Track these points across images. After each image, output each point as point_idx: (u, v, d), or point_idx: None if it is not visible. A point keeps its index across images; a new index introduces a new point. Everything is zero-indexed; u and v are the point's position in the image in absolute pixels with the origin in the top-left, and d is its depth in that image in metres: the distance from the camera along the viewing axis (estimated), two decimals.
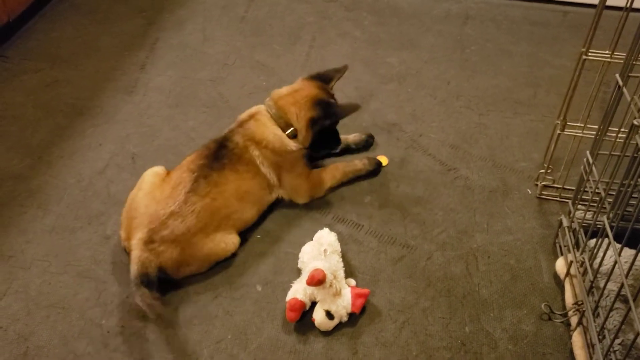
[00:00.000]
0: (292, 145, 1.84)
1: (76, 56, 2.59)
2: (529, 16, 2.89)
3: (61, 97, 2.36)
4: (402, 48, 2.67)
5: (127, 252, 1.69)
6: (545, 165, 1.93)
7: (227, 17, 2.87)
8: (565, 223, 1.71)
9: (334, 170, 1.97)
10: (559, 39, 2.73)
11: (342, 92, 2.40)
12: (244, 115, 1.90)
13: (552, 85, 2.45)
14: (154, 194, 1.71)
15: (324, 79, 1.95)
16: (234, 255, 1.76)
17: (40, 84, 2.42)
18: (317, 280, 1.52)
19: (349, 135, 2.13)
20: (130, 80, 2.46)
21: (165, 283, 1.66)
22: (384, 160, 2.09)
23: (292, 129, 1.85)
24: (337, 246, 1.71)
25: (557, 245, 1.78)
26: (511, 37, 2.75)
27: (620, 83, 1.43)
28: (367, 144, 2.14)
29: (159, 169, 1.82)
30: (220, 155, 1.77)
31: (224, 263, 1.75)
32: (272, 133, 1.83)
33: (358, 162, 2.02)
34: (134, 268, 1.59)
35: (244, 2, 2.98)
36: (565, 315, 1.59)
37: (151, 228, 1.63)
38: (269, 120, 1.85)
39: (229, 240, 1.73)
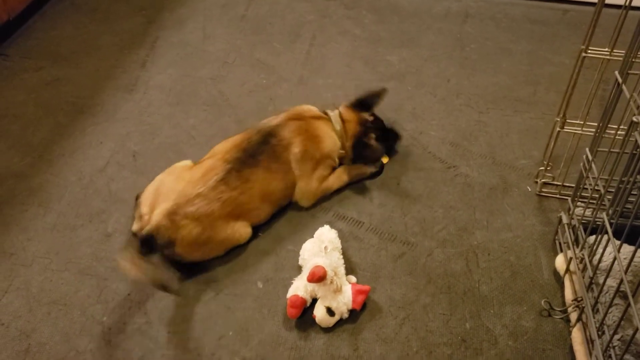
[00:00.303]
0: (338, 151, 1.97)
1: (76, 54, 2.59)
2: (528, 14, 2.90)
3: (62, 96, 2.37)
4: (402, 46, 2.68)
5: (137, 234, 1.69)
6: (545, 162, 1.94)
7: (228, 16, 2.87)
8: (564, 220, 1.72)
9: (342, 174, 1.99)
10: (558, 36, 2.74)
11: (343, 90, 2.42)
12: (313, 113, 1.97)
13: (551, 83, 2.45)
14: (183, 175, 1.77)
15: (365, 106, 2.05)
16: (242, 246, 1.79)
17: (41, 82, 2.43)
18: (318, 277, 1.53)
19: None
20: (131, 78, 2.47)
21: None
22: (384, 158, 2.10)
23: (343, 151, 1.99)
24: (338, 243, 1.71)
25: (557, 242, 1.79)
26: (511, 35, 2.75)
27: (620, 80, 1.43)
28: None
29: (185, 162, 1.89)
30: (259, 151, 1.80)
31: (225, 259, 1.76)
32: (333, 138, 1.95)
33: (363, 166, 2.03)
34: (146, 228, 1.62)
35: (245, 1, 2.98)
36: (564, 311, 1.60)
37: (178, 202, 1.67)
38: (335, 129, 1.97)
39: (243, 231, 1.78)
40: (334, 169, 1.99)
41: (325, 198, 1.96)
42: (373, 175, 2.04)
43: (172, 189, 1.72)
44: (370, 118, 2.03)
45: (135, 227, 1.73)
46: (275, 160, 1.82)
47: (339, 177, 1.98)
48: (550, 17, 2.88)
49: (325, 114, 2.01)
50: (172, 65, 2.55)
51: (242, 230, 1.77)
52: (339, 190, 1.98)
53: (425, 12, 2.91)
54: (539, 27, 2.81)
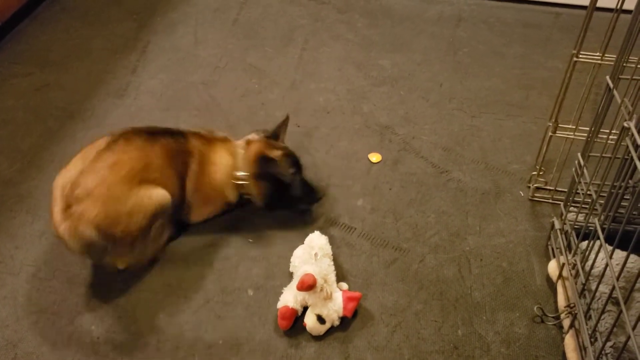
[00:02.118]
0: (230, 196, 1.81)
1: (67, 59, 2.57)
2: (521, 18, 2.90)
3: (52, 101, 2.35)
4: (395, 50, 2.67)
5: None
6: (538, 167, 1.93)
7: (219, 20, 2.86)
8: (557, 225, 1.71)
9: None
10: (551, 40, 2.74)
11: (335, 94, 2.40)
12: (216, 136, 1.85)
13: (544, 87, 2.45)
14: (68, 169, 1.60)
15: (273, 136, 1.89)
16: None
17: (31, 87, 2.41)
18: (308, 286, 1.51)
19: None
20: (122, 83, 2.45)
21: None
22: (377, 157, 2.09)
23: (246, 174, 1.79)
24: (328, 249, 1.70)
25: (550, 247, 1.78)
26: (503, 39, 2.75)
27: (611, 85, 1.42)
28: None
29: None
30: (160, 136, 1.69)
31: (215, 267, 1.74)
32: (227, 166, 1.78)
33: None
34: (71, 246, 1.52)
35: (236, 5, 2.97)
36: (557, 317, 1.59)
37: (64, 194, 1.52)
38: (237, 156, 1.80)
39: (155, 193, 1.59)
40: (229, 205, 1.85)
41: (317, 203, 1.94)
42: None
43: (57, 186, 1.57)
44: (281, 144, 1.88)
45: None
46: (178, 152, 1.69)
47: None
48: (543, 20, 2.88)
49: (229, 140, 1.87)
50: (163, 70, 2.53)
51: (151, 193, 1.57)
52: (330, 193, 1.97)
53: (418, 16, 2.91)
54: (531, 30, 2.81)
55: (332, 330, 1.58)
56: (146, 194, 1.58)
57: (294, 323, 1.59)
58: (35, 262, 1.76)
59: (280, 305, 1.58)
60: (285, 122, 1.94)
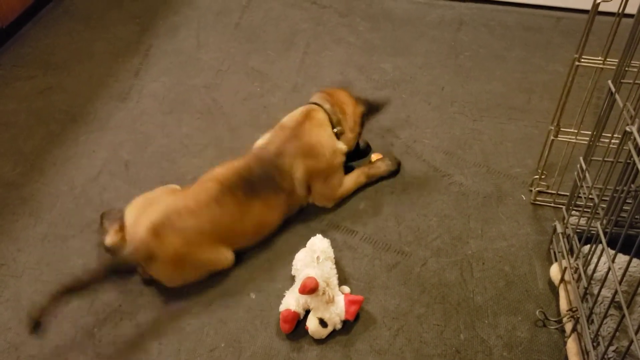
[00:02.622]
0: (342, 146, 1.89)
1: (69, 63, 2.58)
2: (522, 22, 2.90)
3: (54, 104, 2.35)
4: (397, 54, 2.67)
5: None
6: (539, 171, 1.93)
7: (222, 24, 2.87)
8: (559, 229, 1.71)
9: (360, 174, 1.97)
10: (552, 44, 2.74)
11: None
12: (297, 117, 1.86)
13: (545, 90, 2.45)
14: (174, 192, 1.73)
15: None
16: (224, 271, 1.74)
17: (33, 90, 2.41)
18: (310, 289, 1.51)
19: None
20: (124, 86, 2.46)
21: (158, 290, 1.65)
22: (378, 157, 2.10)
23: (339, 128, 1.89)
24: (330, 253, 1.70)
25: (552, 251, 1.78)
26: (505, 43, 2.75)
27: (613, 90, 1.43)
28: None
29: (176, 186, 1.83)
30: (259, 182, 1.73)
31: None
32: (326, 134, 1.85)
33: (381, 164, 2.02)
34: (130, 249, 1.58)
35: (239, 9, 2.98)
36: (559, 321, 1.59)
37: (167, 214, 1.61)
38: (325, 118, 1.87)
39: (228, 256, 1.71)
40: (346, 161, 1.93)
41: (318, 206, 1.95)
42: (391, 175, 2.03)
43: (164, 199, 1.69)
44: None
45: (109, 240, 1.70)
46: (275, 193, 1.75)
47: (356, 180, 1.96)
48: (544, 24, 2.88)
49: (310, 103, 1.93)
50: (165, 74, 2.54)
51: (226, 254, 1.70)
52: None
53: (419, 19, 2.91)
54: (532, 34, 2.81)
55: (334, 333, 1.58)
56: (224, 255, 1.71)
57: (296, 326, 1.59)
58: (38, 265, 1.76)
59: (282, 308, 1.58)
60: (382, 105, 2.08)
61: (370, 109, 1.99)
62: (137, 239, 1.59)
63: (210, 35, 2.78)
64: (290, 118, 1.89)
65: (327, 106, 1.89)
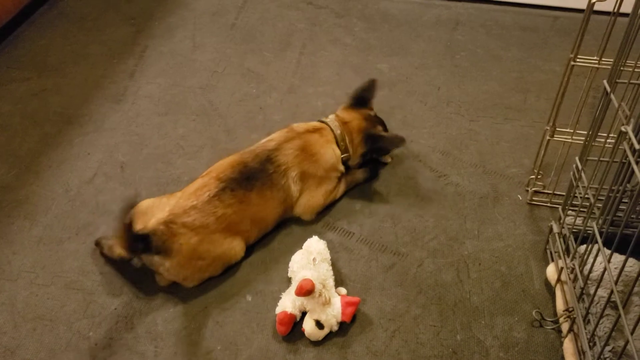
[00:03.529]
0: (342, 168, 1.93)
1: (65, 64, 2.57)
2: (519, 21, 2.90)
3: (49, 106, 2.34)
4: (393, 54, 2.67)
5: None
6: (535, 171, 1.93)
7: (218, 24, 2.86)
8: (555, 229, 1.71)
9: (339, 184, 1.97)
10: (549, 43, 2.74)
11: (333, 99, 2.41)
12: (307, 127, 1.92)
13: (542, 90, 2.45)
14: (175, 194, 1.74)
15: (363, 101, 2.05)
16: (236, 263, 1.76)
17: (28, 92, 2.41)
18: (306, 291, 1.51)
19: None
20: (119, 88, 2.45)
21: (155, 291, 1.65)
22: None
23: (347, 154, 1.94)
24: (327, 254, 1.70)
25: (548, 251, 1.77)
26: (501, 43, 2.75)
27: (608, 89, 1.42)
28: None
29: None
30: (255, 177, 1.75)
31: None
32: (332, 150, 1.90)
33: (358, 172, 2.02)
34: (142, 229, 1.58)
35: (235, 9, 2.97)
36: (556, 322, 1.59)
37: (173, 212, 1.63)
38: (333, 139, 1.92)
39: (239, 247, 1.73)
40: (341, 176, 1.95)
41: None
42: (367, 180, 2.03)
43: (166, 202, 1.69)
44: (372, 112, 2.04)
45: (118, 251, 1.68)
46: (270, 187, 1.76)
47: (336, 188, 1.96)
48: (541, 24, 2.88)
49: (322, 122, 1.97)
50: (161, 75, 2.53)
51: (237, 246, 1.72)
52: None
53: (416, 20, 2.91)
54: (529, 34, 2.81)
55: (330, 335, 1.58)
56: (235, 247, 1.72)
57: (293, 328, 1.58)
58: (33, 268, 1.75)
59: (278, 310, 1.58)
60: (373, 85, 2.06)
61: (372, 150, 1.99)
62: (149, 227, 1.59)
63: (206, 36, 2.78)
64: (301, 125, 1.94)
65: (338, 132, 1.94)
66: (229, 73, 2.55)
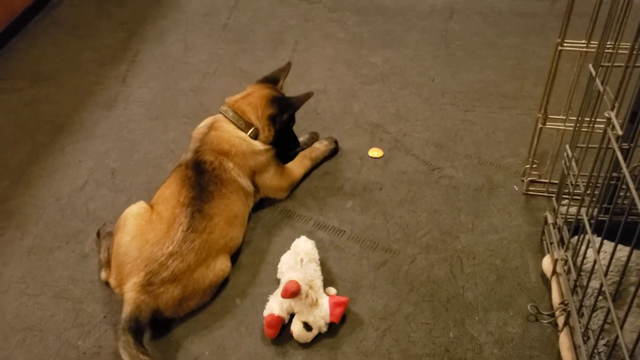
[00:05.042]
0: (258, 145, 1.86)
1: (57, 73, 2.57)
2: (515, 7, 2.83)
3: (41, 116, 2.34)
4: (386, 47, 2.62)
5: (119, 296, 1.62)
6: (530, 160, 1.88)
7: (209, 25, 2.84)
8: (550, 220, 1.66)
9: (302, 159, 2.00)
10: (546, 28, 2.67)
11: (325, 95, 2.37)
12: (201, 129, 1.86)
13: (539, 77, 2.38)
14: (145, 235, 1.61)
15: (272, 81, 2.00)
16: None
17: (20, 103, 2.41)
18: (291, 293, 1.48)
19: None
20: (111, 94, 2.44)
21: None
22: (378, 152, 2.08)
23: (252, 129, 1.86)
24: (315, 254, 1.66)
25: (544, 242, 1.72)
26: (497, 30, 2.69)
27: (594, 73, 1.37)
28: (312, 142, 2.11)
29: (139, 208, 1.70)
30: (205, 182, 1.71)
31: None
32: (236, 137, 1.83)
33: (319, 145, 2.05)
34: (126, 310, 1.51)
35: (227, 9, 2.95)
36: (552, 315, 1.54)
37: (149, 271, 1.55)
38: (228, 125, 1.85)
39: (224, 266, 1.67)
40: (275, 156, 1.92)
41: (305, 206, 1.91)
42: (331, 153, 2.06)
43: (137, 255, 1.57)
44: (280, 93, 1.96)
45: (104, 275, 1.67)
46: (223, 184, 1.73)
47: (300, 165, 1.98)
48: (538, 8, 2.81)
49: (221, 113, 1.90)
50: (152, 79, 2.52)
51: (222, 265, 1.66)
52: (319, 196, 1.94)
53: (410, 10, 2.86)
54: (526, 19, 2.74)
55: (320, 336, 1.55)
56: (220, 269, 1.65)
57: (281, 331, 1.56)
58: (24, 279, 1.75)
59: (266, 313, 1.56)
60: (286, 68, 2.03)
61: (282, 109, 1.88)
62: (131, 303, 1.52)
63: (198, 37, 2.76)
64: (197, 131, 1.88)
65: (230, 114, 1.87)
66: (220, 74, 2.53)
